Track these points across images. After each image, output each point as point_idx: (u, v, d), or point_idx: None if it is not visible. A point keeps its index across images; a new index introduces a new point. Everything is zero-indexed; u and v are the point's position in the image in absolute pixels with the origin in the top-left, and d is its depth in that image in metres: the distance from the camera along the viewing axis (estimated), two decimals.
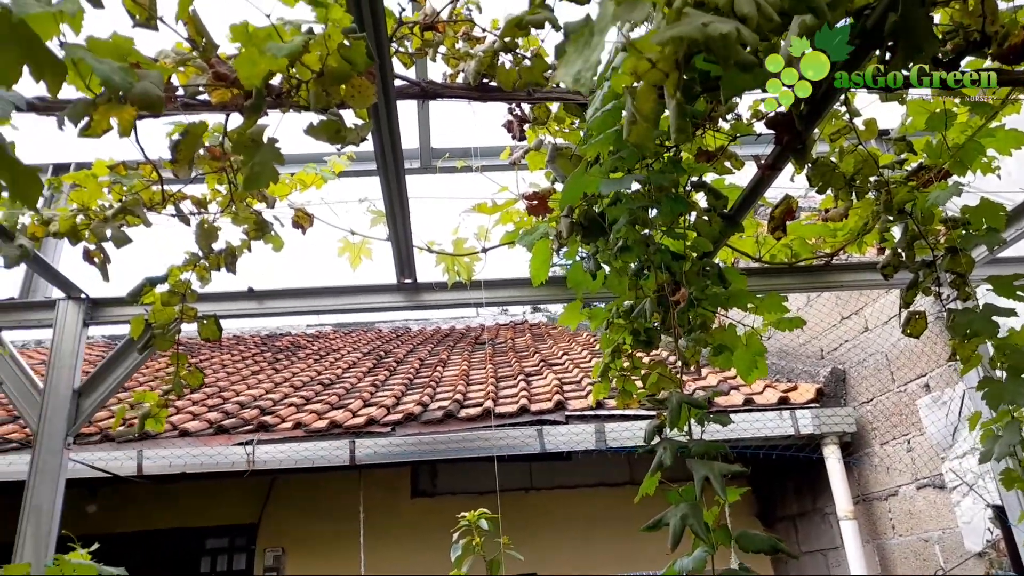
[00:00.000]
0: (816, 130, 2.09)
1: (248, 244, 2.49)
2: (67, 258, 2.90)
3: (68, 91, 1.40)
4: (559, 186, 2.44)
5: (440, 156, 3.07)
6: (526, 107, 2.23)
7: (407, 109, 2.80)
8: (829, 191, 2.39)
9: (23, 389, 2.75)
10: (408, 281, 2.97)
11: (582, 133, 2.37)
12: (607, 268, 2.36)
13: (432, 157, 3.05)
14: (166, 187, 2.23)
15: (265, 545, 6.36)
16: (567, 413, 5.35)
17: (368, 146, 2.95)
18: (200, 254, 2.39)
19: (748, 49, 0.85)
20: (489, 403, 5.62)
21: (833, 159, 2.36)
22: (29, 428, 2.71)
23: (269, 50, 1.17)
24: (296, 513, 6.43)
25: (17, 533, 2.43)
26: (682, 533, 1.35)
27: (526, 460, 6.14)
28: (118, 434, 5.31)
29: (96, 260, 2.38)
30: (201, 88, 1.58)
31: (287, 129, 6.28)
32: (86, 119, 1.31)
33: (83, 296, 2.83)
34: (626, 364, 2.52)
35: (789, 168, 2.15)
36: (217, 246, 2.40)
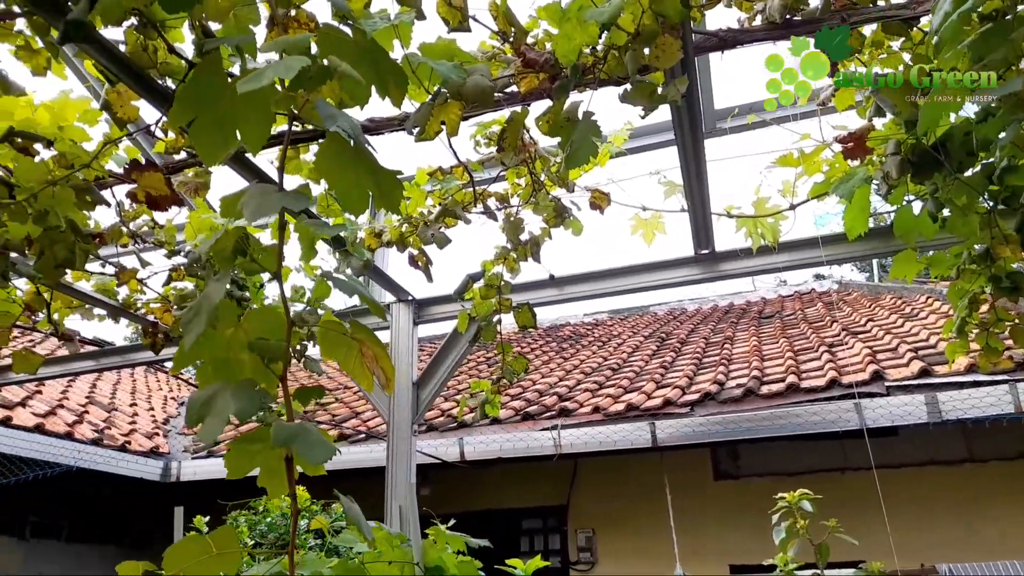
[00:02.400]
0: None
1: (548, 232, 2.57)
2: (392, 264, 3.24)
3: (373, 109, 1.51)
4: (878, 122, 2.16)
5: (723, 116, 2.91)
6: None
7: None
8: None
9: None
10: (706, 252, 2.85)
11: (905, 56, 2.07)
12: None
13: (715, 119, 2.90)
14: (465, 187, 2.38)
15: (575, 526, 6.62)
16: (887, 383, 4.80)
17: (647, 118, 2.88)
18: (509, 247, 2.52)
19: None
20: (792, 378, 5.25)
21: None
22: (383, 419, 3.08)
23: (591, 17, 1.16)
24: (601, 494, 6.60)
25: (385, 511, 2.77)
26: None
27: (837, 437, 5.64)
28: (440, 424, 5.88)
29: (420, 264, 2.62)
30: (510, 81, 1.64)
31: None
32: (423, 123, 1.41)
33: (410, 298, 3.15)
34: (986, 316, 2.15)
35: None
36: (523, 237, 2.50)
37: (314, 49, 1.14)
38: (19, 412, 5.74)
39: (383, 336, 3.21)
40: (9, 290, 2.82)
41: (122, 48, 1.69)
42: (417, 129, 1.44)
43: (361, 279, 2.86)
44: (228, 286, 2.84)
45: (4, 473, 5.24)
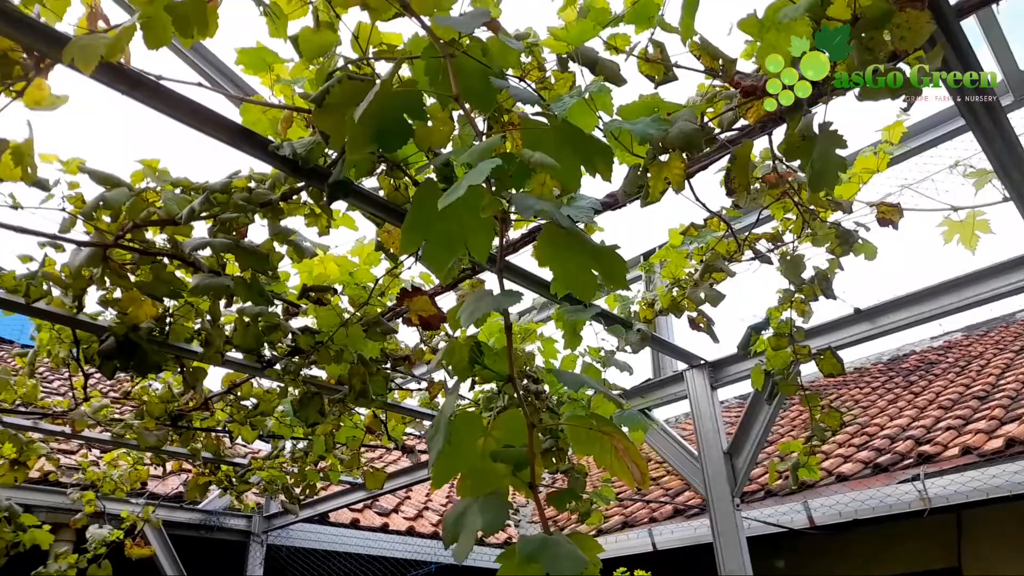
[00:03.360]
0: None
1: (837, 263, 2.27)
2: (679, 331, 3.12)
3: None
4: None
5: None
6: None
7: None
8: None
9: (682, 458, 2.98)
10: None
11: None
12: None
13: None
14: (737, 234, 2.21)
15: None
16: None
17: (923, 111, 2.46)
18: (792, 288, 2.27)
19: None
20: None
21: None
22: (699, 494, 2.91)
23: (786, 17, 1.01)
24: (1003, 550, 5.43)
25: None
26: None
27: None
28: (778, 488, 5.40)
29: (701, 325, 2.47)
30: (734, 114, 1.50)
31: None
32: (641, 188, 1.34)
33: (703, 362, 2.98)
34: None
35: None
36: (806, 275, 2.24)
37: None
38: (393, 518, 6.55)
39: (682, 406, 3.06)
40: (354, 417, 3.26)
41: (381, 193, 1.90)
42: (640, 196, 1.37)
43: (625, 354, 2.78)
44: (524, 382, 2.96)
45: (385, 575, 5.95)
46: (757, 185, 2.06)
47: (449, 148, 1.68)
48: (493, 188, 1.15)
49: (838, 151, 1.17)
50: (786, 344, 2.25)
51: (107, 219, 2.10)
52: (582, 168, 1.25)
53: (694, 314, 2.48)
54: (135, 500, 4.45)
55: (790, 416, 8.11)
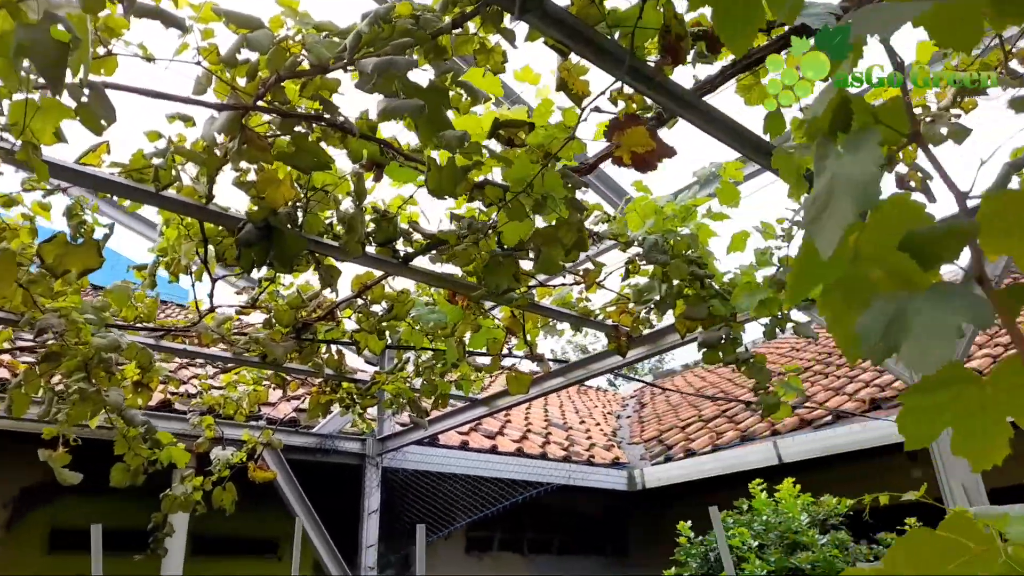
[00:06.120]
0: None
1: None
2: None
3: None
4: None
5: None
6: None
7: None
8: None
9: None
10: None
11: None
12: None
13: None
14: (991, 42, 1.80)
15: None
16: None
17: None
18: None
19: None
20: None
21: None
22: None
23: None
24: None
25: (942, 489, 2.25)
26: None
27: None
28: None
29: (912, 183, 2.10)
30: None
31: None
32: None
33: None
34: None
35: None
36: None
37: None
38: (500, 440, 6.43)
39: None
40: (489, 319, 3.01)
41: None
42: None
43: None
44: (687, 266, 2.63)
45: (497, 497, 5.84)
46: None
47: None
48: None
49: None
50: None
51: (242, 81, 1.84)
52: None
53: (904, 170, 2.10)
54: (252, 424, 4.39)
55: None
